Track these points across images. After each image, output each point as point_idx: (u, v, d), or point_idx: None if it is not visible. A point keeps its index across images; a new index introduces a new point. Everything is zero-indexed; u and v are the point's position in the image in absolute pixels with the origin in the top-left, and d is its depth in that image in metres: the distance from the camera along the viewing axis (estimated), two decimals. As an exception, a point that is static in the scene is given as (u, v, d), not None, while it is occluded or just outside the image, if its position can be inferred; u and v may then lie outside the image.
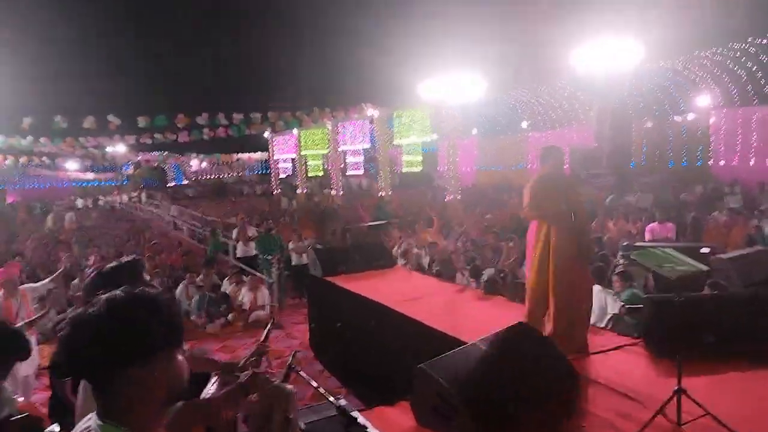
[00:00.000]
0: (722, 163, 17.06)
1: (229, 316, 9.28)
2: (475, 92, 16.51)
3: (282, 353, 7.94)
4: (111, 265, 2.39)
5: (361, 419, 2.03)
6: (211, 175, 47.77)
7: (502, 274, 7.01)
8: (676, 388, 3.12)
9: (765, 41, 14.39)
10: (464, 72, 16.30)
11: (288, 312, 9.95)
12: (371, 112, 21.79)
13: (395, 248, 9.72)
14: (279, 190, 30.17)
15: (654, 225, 9.72)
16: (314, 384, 2.29)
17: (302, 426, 2.08)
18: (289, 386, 2.20)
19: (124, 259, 2.49)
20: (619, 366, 4.10)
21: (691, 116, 18.29)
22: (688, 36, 14.71)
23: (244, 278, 10.00)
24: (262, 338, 2.60)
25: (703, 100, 17.39)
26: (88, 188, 44.30)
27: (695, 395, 3.09)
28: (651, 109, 19.31)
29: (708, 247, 8.45)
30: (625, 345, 4.46)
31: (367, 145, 23.94)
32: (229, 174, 47.76)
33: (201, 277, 10.19)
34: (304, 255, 10.87)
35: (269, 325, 2.76)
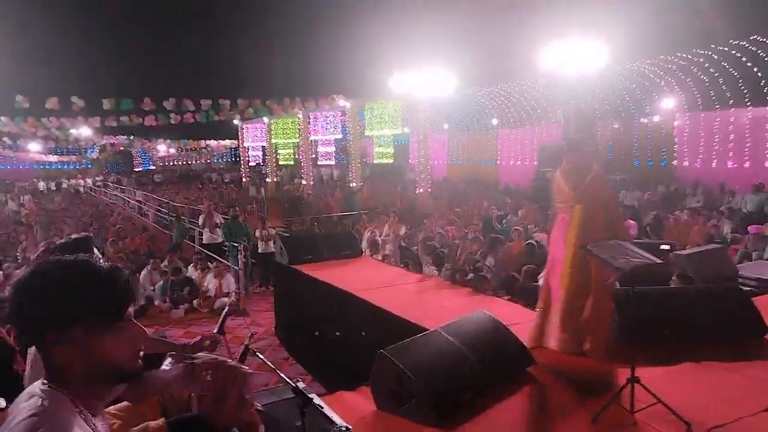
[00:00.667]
0: (685, 164, 17.52)
1: (194, 302, 9.19)
2: (446, 87, 16.59)
3: (244, 339, 7.90)
4: (61, 240, 2.35)
5: (317, 400, 2.04)
6: (179, 161, 47.00)
7: (471, 266, 7.09)
8: (629, 377, 3.22)
9: (726, 48, 14.81)
10: (436, 67, 16.36)
11: (254, 299, 9.90)
12: (343, 103, 21.70)
13: (364, 238, 9.73)
14: (248, 178, 29.88)
15: (616, 222, 9.95)
16: (269, 363, 2.29)
17: (259, 407, 2.08)
18: (245, 366, 2.19)
19: (74, 235, 2.45)
20: (579, 355, 4.19)
21: (656, 118, 18.71)
22: (654, 40, 15.03)
23: (210, 265, 9.90)
24: (217, 327, 2.59)
25: (668, 102, 17.80)
26: (51, 171, 43.18)
27: (649, 384, 3.18)
28: (617, 110, 19.70)
29: (668, 244, 8.72)
30: (583, 335, 4.57)
31: (338, 136, 23.87)
32: (197, 161, 47.05)
33: (165, 262, 10.04)
34: (271, 243, 10.81)
35: (224, 314, 2.76)
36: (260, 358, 2.40)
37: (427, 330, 4.34)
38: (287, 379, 2.10)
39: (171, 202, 20.24)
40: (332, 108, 22.54)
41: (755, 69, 14.85)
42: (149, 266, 9.72)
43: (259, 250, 10.85)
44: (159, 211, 19.80)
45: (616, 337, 4.11)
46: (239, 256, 9.62)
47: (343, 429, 2.10)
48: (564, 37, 11.11)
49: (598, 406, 3.18)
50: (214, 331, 2.56)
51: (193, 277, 9.80)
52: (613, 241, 3.52)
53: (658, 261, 3.65)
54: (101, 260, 2.34)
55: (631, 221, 10.00)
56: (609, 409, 3.14)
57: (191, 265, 10.32)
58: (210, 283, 9.36)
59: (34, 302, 1.18)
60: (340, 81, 23.72)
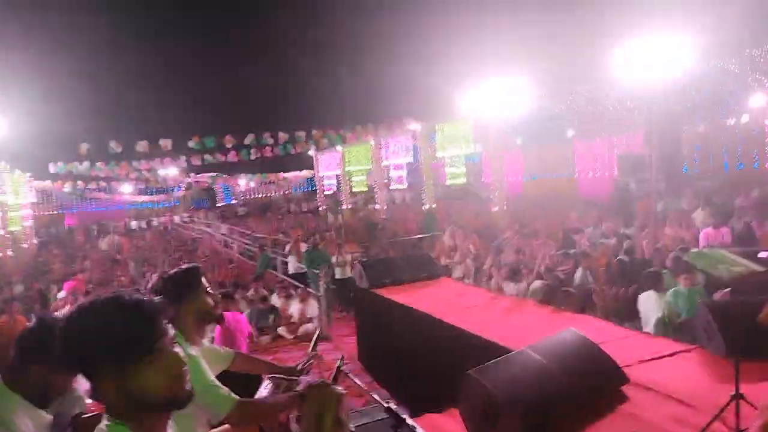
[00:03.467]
0: (781, 165, 16.38)
1: (279, 329, 9.45)
2: (518, 101, 16.39)
3: (331, 365, 8.02)
4: (172, 270, 2.51)
5: (410, 421, 2.06)
6: (258, 194, 48.80)
7: (557, 282, 6.92)
8: (733, 393, 3.02)
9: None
10: (506, 81, 16.22)
11: (335, 325, 10.05)
12: (413, 126, 21.88)
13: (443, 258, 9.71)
14: (324, 207, 30.57)
15: (708, 230, 9.42)
16: (361, 384, 2.33)
17: (352, 428, 2.12)
18: (339, 387, 2.25)
19: (184, 266, 2.61)
20: (674, 372, 3.98)
21: (745, 118, 17.64)
22: (739, 33, 14.23)
23: (293, 292, 10.18)
24: (311, 347, 2.67)
25: (757, 100, 16.73)
26: (141, 210, 45.90)
27: (755, 401, 2.97)
28: (701, 111, 18.72)
29: (767, 251, 8.15)
30: (681, 351, 4.34)
31: (410, 159, 24.03)
32: (276, 192, 48.67)
33: (251, 291, 10.42)
34: (348, 268, 11.01)
35: (316, 334, 2.84)
36: (352, 379, 2.44)
37: (513, 350, 4.27)
38: (380, 400, 2.13)
39: (254, 233, 21.01)
40: (403, 131, 22.78)
41: None
42: (238, 295, 10.12)
43: (337, 276, 11.06)
44: (243, 242, 20.59)
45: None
46: (320, 283, 9.84)
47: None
48: (641, 37, 10.67)
49: (700, 424, 3.00)
50: (309, 350, 2.64)
51: (277, 305, 10.10)
52: (715, 250, 3.34)
53: (761, 269, 3.43)
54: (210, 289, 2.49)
55: (725, 228, 9.43)
56: (711, 428, 2.96)
57: (275, 293, 10.64)
58: (294, 309, 9.61)
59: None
60: (411, 103, 23.95)
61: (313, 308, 9.60)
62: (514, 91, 16.21)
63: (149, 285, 2.44)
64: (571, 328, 4.07)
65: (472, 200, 25.55)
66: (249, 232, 21.81)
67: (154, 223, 40.07)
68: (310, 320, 9.45)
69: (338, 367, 2.39)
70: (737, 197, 15.15)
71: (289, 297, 10.06)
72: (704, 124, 19.10)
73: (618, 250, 8.32)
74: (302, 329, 9.37)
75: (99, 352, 1.22)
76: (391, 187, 25.17)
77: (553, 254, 8.81)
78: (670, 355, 4.31)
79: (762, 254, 7.47)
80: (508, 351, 4.35)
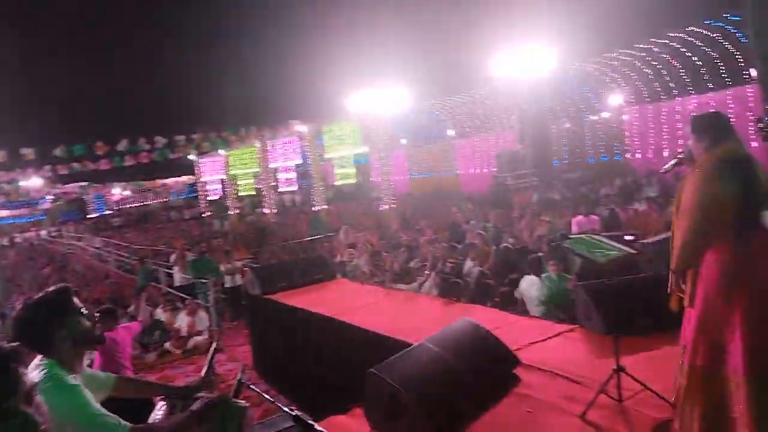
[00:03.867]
0: (638, 156, 18.07)
1: (166, 345, 8.94)
2: (401, 103, 16.80)
3: (225, 377, 7.73)
4: (39, 295, 2.25)
5: (318, 427, 2.00)
6: (135, 202, 46.05)
7: (453, 277, 7.12)
8: (615, 367, 3.25)
9: (664, 41, 15.44)
10: (389, 84, 16.56)
11: (227, 335, 9.69)
12: (300, 128, 21.71)
13: (337, 259, 9.67)
14: (209, 213, 29.45)
15: (580, 218, 10.15)
16: (266, 396, 2.24)
17: None
18: (242, 401, 2.14)
19: (51, 288, 2.34)
20: (560, 351, 4.23)
21: (605, 114, 19.30)
22: (596, 39, 15.57)
23: (179, 305, 9.68)
24: (205, 367, 2.52)
25: (616, 99, 18.38)
26: (1, 226, 41.75)
27: (634, 372, 3.22)
28: (568, 110, 20.24)
29: (631, 234, 8.95)
30: (564, 332, 4.62)
31: (298, 161, 23.82)
32: (154, 200, 46.19)
33: (132, 308, 9.76)
34: (237, 276, 10.67)
35: (213, 347, 2.69)
36: (254, 390, 2.33)
37: (411, 344, 4.32)
38: (285, 409, 2.04)
39: (132, 245, 19.76)
40: (290, 134, 22.52)
41: (694, 58, 15.49)
42: (119, 312, 9.43)
43: (227, 285, 10.66)
44: (120, 255, 19.30)
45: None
46: (209, 293, 9.43)
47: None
48: (512, 43, 11.39)
49: (588, 399, 3.21)
50: (203, 371, 2.49)
51: (163, 320, 9.54)
52: (587, 235, 3.58)
53: (633, 251, 3.73)
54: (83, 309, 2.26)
55: (594, 216, 10.23)
56: (597, 401, 3.16)
57: (159, 307, 10.06)
58: (182, 322, 9.14)
59: None
60: (296, 106, 23.77)
61: (202, 320, 9.18)
62: (398, 93, 16.61)
63: (14, 314, 2.17)
64: (465, 318, 4.19)
65: (362, 200, 25.81)
66: (126, 244, 20.47)
67: (17, 239, 36.48)
68: (199, 333, 9.03)
69: (239, 379, 2.27)
70: (602, 187, 16.55)
71: (175, 310, 9.54)
72: (570, 122, 20.64)
73: (501, 241, 8.73)
74: (191, 343, 8.93)
75: None
76: (280, 190, 24.78)
77: (439, 248, 9.11)
78: (556, 335, 4.58)
79: (627, 237, 8.20)
80: (406, 345, 4.40)
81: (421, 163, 27.06)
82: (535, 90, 15.65)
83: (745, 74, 14.57)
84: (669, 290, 2.92)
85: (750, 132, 14.55)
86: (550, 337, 4.55)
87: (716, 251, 2.65)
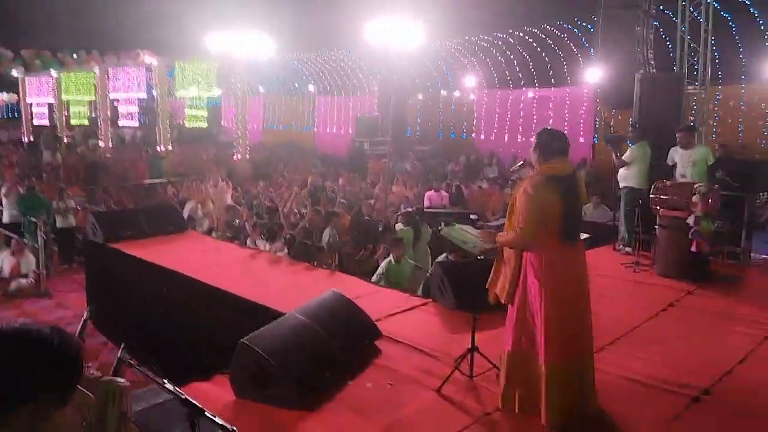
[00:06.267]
0: (483, 137, 19.36)
1: (-17, 287, 7.98)
2: (265, 50, 16.14)
3: (55, 323, 7.12)
4: None
5: (208, 413, 1.97)
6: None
7: (309, 239, 7.16)
8: (469, 346, 3.58)
9: (521, 34, 16.59)
10: (254, 28, 15.81)
11: (57, 280, 8.89)
12: (149, 59, 19.96)
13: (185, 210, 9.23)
14: (31, 139, 26.07)
15: (431, 193, 10.75)
16: (150, 375, 2.15)
17: (134, 418, 1.98)
18: (122, 380, 2.06)
19: None
20: (416, 325, 4.54)
21: (457, 93, 20.32)
22: (461, 21, 16.25)
23: (0, 242, 8.65)
24: (78, 332, 2.36)
25: (470, 80, 19.40)
26: None
27: (484, 350, 3.57)
28: (425, 84, 20.96)
29: (475, 213, 9.70)
30: (419, 305, 4.95)
31: (143, 95, 21.89)
32: (-39, 115, 39.76)
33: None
34: (71, 216, 9.75)
35: (85, 317, 2.51)
36: (139, 370, 2.22)
37: (275, 311, 4.36)
38: (175, 391, 1.99)
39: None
40: (136, 64, 20.61)
41: (543, 54, 16.85)
42: None
43: (58, 225, 9.68)
44: None
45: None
46: (38, 233, 8.51)
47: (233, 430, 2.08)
48: (385, 13, 11.48)
49: (443, 373, 3.51)
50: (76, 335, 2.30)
51: (-22, 258, 8.48)
52: (457, 226, 3.85)
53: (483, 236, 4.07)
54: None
55: (444, 192, 10.88)
56: (452, 377, 3.48)
57: (-25, 244, 8.90)
58: (4, 262, 8.19)
59: None
60: (147, 34, 21.58)
61: (28, 262, 8.30)
62: (261, 39, 15.92)
63: None
64: (333, 290, 4.31)
65: (207, 144, 24.58)
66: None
67: None
68: (25, 275, 8.16)
69: (119, 358, 2.15)
70: (449, 163, 17.56)
71: (-5, 249, 8.51)
72: (425, 95, 21.42)
73: (358, 209, 8.95)
74: (14, 285, 8.06)
75: (21, 394, 1.04)
76: (119, 123, 22.66)
77: (295, 206, 9.11)
78: (412, 308, 4.90)
79: (472, 216, 8.87)
80: (269, 311, 4.43)
81: (279, 114, 26.43)
82: (400, 61, 15.97)
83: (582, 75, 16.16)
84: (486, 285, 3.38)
85: (580, 128, 16.35)
86: (406, 310, 4.86)
87: (538, 254, 3.11)
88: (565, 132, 3.56)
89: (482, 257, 3.65)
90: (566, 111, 17.07)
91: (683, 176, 6.44)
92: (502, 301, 3.29)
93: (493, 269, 3.41)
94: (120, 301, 6.47)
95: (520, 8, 15.33)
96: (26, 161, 18.08)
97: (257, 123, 26.27)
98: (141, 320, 5.97)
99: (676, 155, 6.57)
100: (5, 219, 9.89)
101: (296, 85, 25.42)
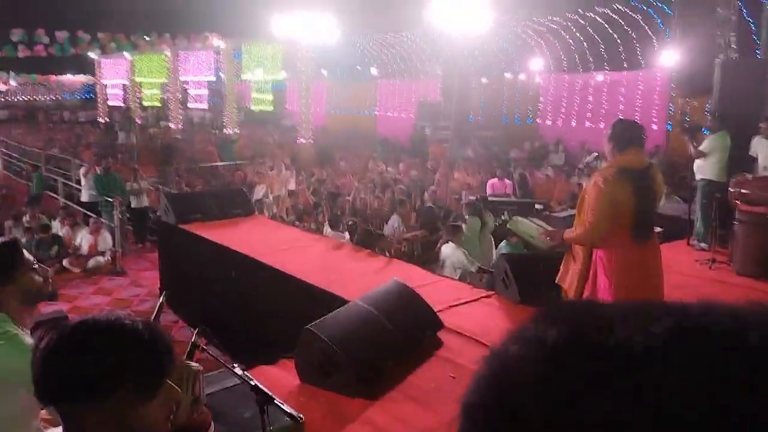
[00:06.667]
0: (549, 122, 18.85)
1: (64, 262, 8.46)
2: (328, 33, 16.22)
3: (130, 302, 7.53)
4: None
5: (278, 401, 2.04)
6: (22, 97, 41.78)
7: (372, 227, 7.22)
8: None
9: (591, 14, 15.96)
10: (318, 9, 15.92)
11: (131, 258, 9.34)
12: (217, 42, 20.47)
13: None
14: (107, 120, 27.39)
15: (494, 180, 10.57)
16: (221, 360, 2.23)
17: (205, 401, 2.05)
18: (195, 364, 2.14)
19: None
20: (478, 317, 4.52)
21: (522, 77, 19.81)
22: (529, 3, 15.79)
23: (79, 221, 9.15)
24: (154, 316, 2.44)
25: (536, 63, 18.86)
26: None
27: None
28: (489, 67, 20.53)
29: (540, 203, 9.50)
30: (482, 297, 4.91)
31: (211, 78, 22.55)
32: (45, 96, 42.14)
33: (27, 217, 9.10)
34: (144, 197, 10.18)
35: (158, 306, 2.59)
36: (210, 355, 2.32)
37: (339, 297, 4.44)
38: (245, 377, 2.06)
39: (21, 145, 18.06)
40: (205, 47, 21.19)
41: (615, 36, 16.16)
42: (9, 222, 8.77)
43: (133, 205, 10.13)
44: (7, 155, 17.60)
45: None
46: (115, 213, 8.95)
47: (300, 419, 2.14)
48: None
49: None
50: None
51: (61, 234, 9.00)
52: (522, 219, 3.78)
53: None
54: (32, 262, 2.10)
55: (508, 181, 10.67)
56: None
57: (56, 220, 9.44)
58: (83, 240, 8.67)
59: (67, 372, 1.08)
60: (216, 17, 22.09)
61: (105, 240, 8.75)
62: (326, 22, 16.02)
63: None
64: (396, 279, 4.34)
65: (272, 129, 25.07)
66: (16, 144, 18.66)
67: None
68: (102, 253, 8.62)
69: (193, 342, 2.24)
70: (511, 150, 17.21)
71: (76, 226, 9.00)
72: (489, 79, 20.97)
73: (422, 196, 8.94)
74: (92, 262, 8.53)
75: (113, 383, 1.10)
76: (189, 105, 23.43)
77: (362, 194, 9.18)
78: (474, 300, 4.87)
79: (537, 205, 8.68)
80: (334, 298, 4.51)
81: (342, 99, 26.58)
82: (466, 44, 15.70)
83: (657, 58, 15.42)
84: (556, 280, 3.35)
85: (653, 115, 15.63)
86: (468, 302, 4.83)
87: (609, 251, 3.01)
88: (637, 119, 3.44)
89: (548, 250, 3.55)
90: (638, 96, 16.35)
91: (766, 169, 6.08)
92: (571, 298, 3.22)
93: (562, 264, 3.34)
94: (190, 282, 6.74)
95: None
96: (102, 141, 18.95)
97: (320, 107, 26.56)
98: (208, 301, 6.20)
99: (760, 147, 6.20)
100: (84, 198, 10.44)
101: (359, 68, 25.43)
